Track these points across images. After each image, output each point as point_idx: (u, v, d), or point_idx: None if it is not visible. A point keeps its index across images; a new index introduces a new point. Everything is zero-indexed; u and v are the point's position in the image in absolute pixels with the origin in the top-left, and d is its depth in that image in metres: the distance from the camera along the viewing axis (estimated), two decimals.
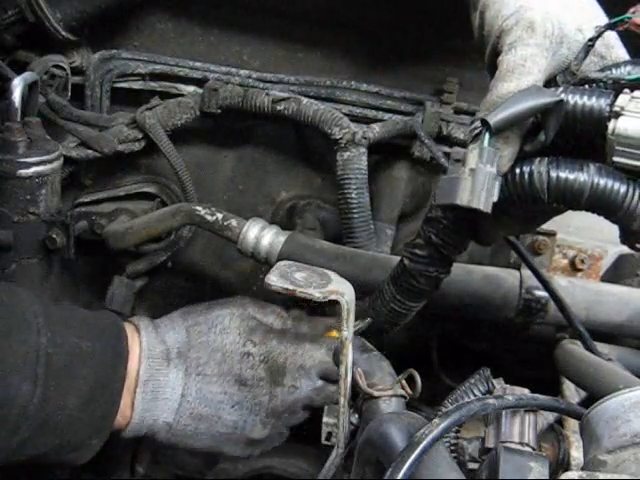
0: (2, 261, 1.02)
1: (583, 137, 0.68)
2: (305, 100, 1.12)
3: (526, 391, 0.71)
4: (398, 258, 0.85)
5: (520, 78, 0.68)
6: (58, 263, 1.09)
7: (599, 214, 0.68)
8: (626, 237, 0.68)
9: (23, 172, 0.99)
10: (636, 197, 0.65)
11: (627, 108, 0.64)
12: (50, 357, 0.79)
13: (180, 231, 1.18)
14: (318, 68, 1.18)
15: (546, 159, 0.67)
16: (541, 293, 1.02)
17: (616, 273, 1.18)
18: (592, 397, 0.81)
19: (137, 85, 1.17)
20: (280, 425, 0.93)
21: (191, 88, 1.16)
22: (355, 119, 1.13)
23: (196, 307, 0.97)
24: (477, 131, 0.66)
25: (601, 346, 0.96)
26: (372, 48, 1.17)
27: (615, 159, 0.65)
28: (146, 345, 0.90)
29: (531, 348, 1.11)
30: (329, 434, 0.82)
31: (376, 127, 1.12)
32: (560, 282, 1.04)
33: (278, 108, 1.11)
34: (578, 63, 0.70)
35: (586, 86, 0.69)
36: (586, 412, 0.60)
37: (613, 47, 0.72)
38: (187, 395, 0.90)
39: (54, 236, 1.03)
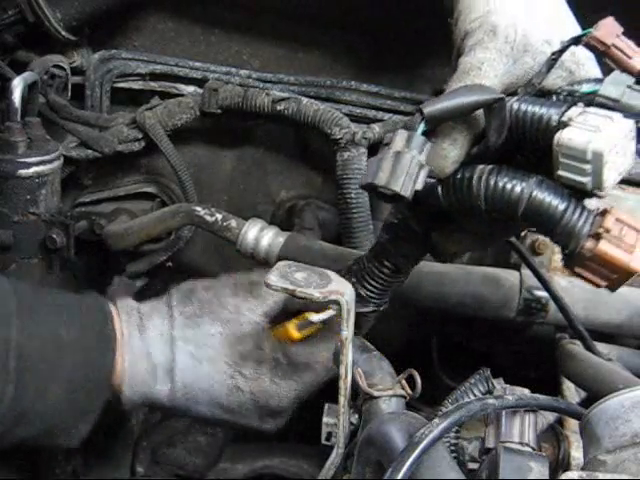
0: (2, 261, 1.02)
1: (534, 149, 0.65)
2: (305, 100, 1.12)
3: (526, 391, 0.71)
4: None
5: (474, 80, 0.66)
6: (58, 263, 1.09)
7: (537, 229, 0.65)
8: (564, 258, 0.64)
9: (23, 172, 0.99)
10: (576, 215, 0.61)
11: (575, 120, 0.61)
12: (23, 349, 0.76)
13: (180, 231, 1.17)
14: (318, 68, 1.18)
15: (489, 166, 0.65)
16: (541, 293, 1.02)
17: None
18: (592, 397, 0.81)
19: (137, 85, 1.17)
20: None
21: (191, 88, 1.16)
22: (355, 119, 1.13)
23: (185, 307, 0.90)
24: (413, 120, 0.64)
25: (601, 346, 0.96)
26: (372, 48, 1.17)
27: (560, 173, 0.61)
28: (129, 360, 0.86)
29: (531, 348, 1.11)
30: (329, 434, 0.82)
31: (376, 127, 1.12)
32: (560, 282, 1.04)
33: (278, 108, 1.11)
34: (539, 76, 0.67)
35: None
36: (586, 412, 0.60)
37: (583, 64, 0.69)
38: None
39: (54, 236, 1.03)
